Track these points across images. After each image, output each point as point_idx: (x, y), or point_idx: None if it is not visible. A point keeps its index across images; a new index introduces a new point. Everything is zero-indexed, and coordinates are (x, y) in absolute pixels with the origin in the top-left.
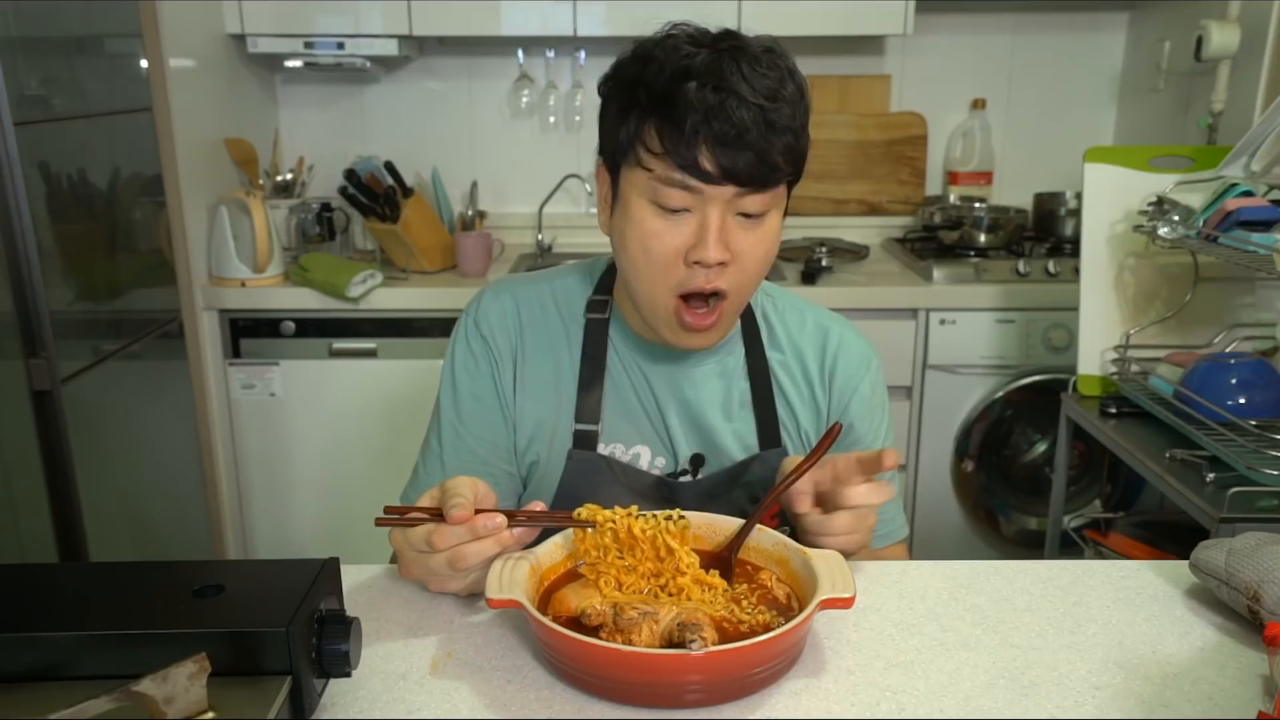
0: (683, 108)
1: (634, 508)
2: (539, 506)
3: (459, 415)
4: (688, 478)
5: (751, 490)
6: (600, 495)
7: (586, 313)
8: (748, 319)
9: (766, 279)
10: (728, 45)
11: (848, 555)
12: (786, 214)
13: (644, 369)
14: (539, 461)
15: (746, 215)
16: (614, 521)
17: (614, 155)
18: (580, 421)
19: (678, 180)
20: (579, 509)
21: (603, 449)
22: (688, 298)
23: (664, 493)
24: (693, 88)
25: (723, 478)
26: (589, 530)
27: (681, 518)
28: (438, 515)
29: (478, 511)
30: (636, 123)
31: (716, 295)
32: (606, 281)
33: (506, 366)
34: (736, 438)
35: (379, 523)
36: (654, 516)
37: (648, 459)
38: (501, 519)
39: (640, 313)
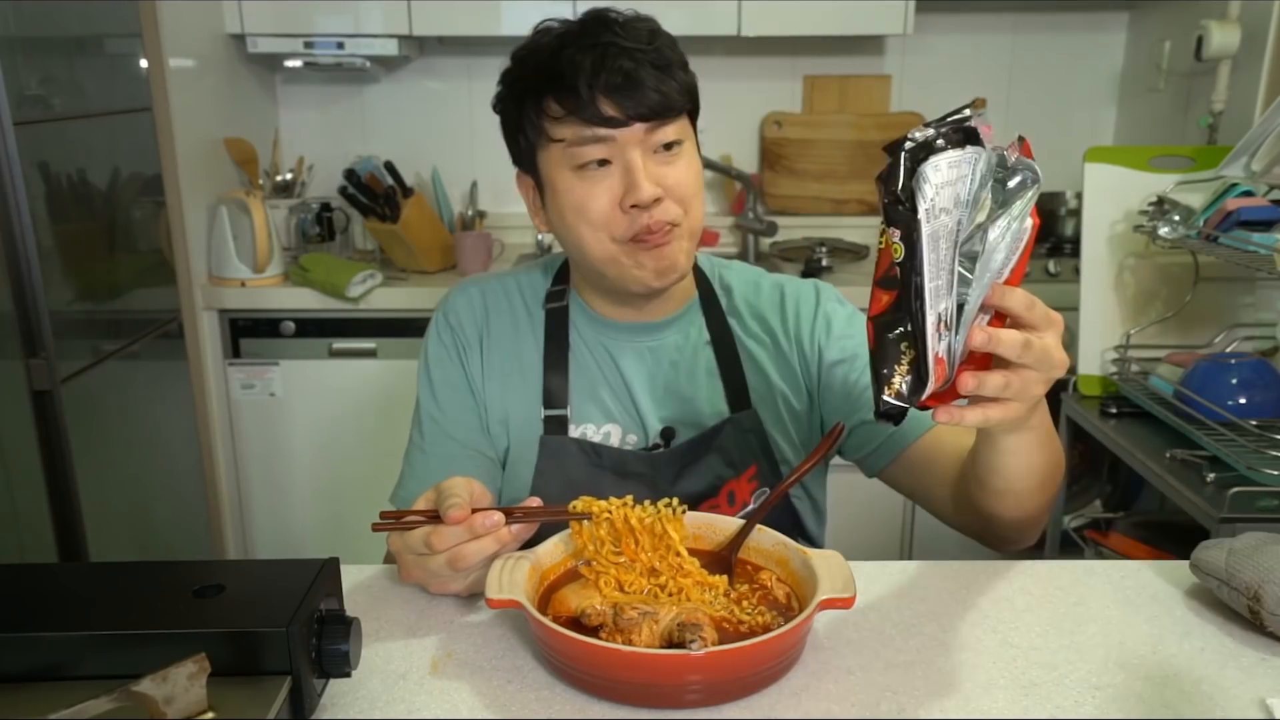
0: (570, 71)
1: (629, 497)
2: (535, 503)
3: (437, 404)
4: (661, 451)
5: (726, 454)
6: (575, 478)
7: (545, 303)
8: (705, 288)
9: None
10: (593, 16)
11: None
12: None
13: (608, 347)
14: (510, 447)
15: (665, 148)
16: (610, 512)
17: (528, 151)
18: (548, 407)
19: (589, 136)
20: (574, 502)
21: (573, 431)
22: (637, 240)
23: (638, 467)
24: (572, 52)
25: (695, 444)
26: (585, 523)
27: (682, 504)
28: (434, 518)
29: (474, 510)
30: (534, 104)
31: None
32: (563, 275)
33: (474, 352)
34: (709, 403)
35: (376, 528)
36: (651, 505)
37: (619, 437)
38: (499, 516)
39: (604, 278)
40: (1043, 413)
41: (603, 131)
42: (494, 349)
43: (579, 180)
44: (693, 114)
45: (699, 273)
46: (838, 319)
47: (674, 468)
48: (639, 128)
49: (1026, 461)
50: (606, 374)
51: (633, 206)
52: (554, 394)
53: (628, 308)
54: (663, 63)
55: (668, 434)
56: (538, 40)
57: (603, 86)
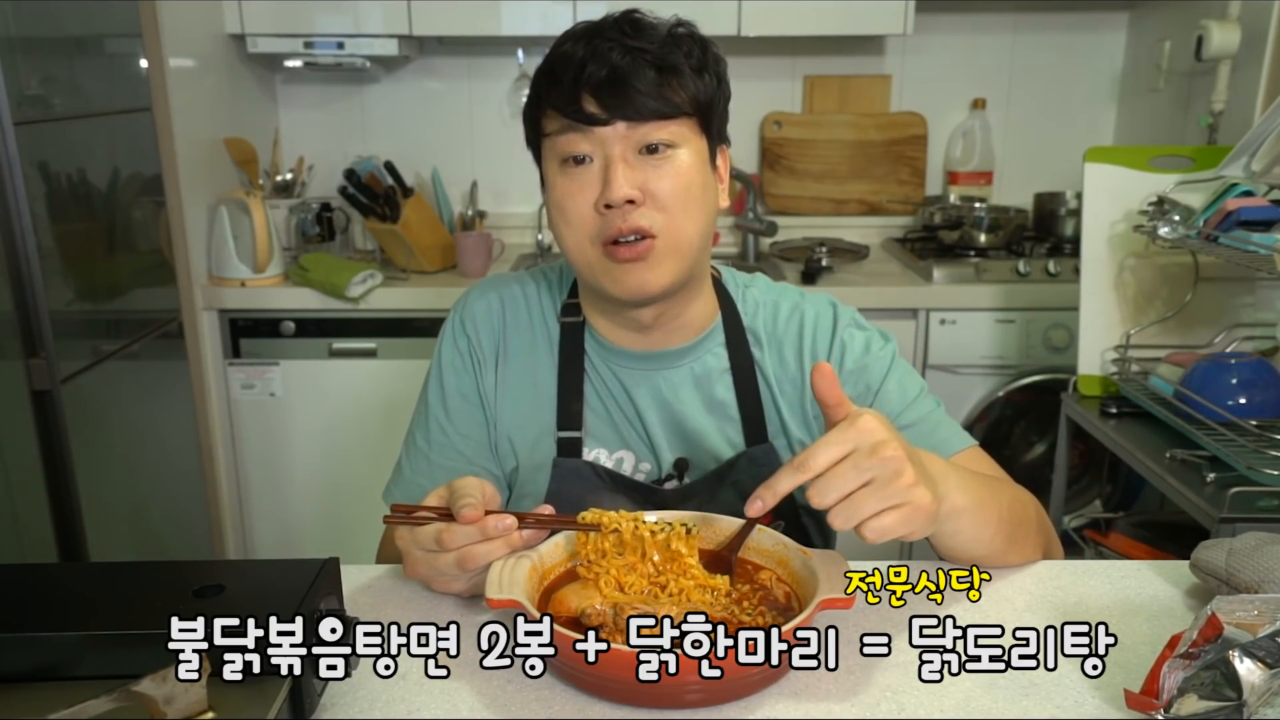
0: (561, 65)
1: (640, 514)
2: (548, 510)
3: (447, 414)
4: (674, 483)
5: (741, 489)
6: (588, 503)
7: (561, 316)
8: (729, 309)
9: (746, 269)
10: (620, 15)
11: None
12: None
13: (619, 374)
14: (519, 467)
15: (651, 151)
16: (619, 526)
17: (534, 147)
18: (562, 429)
19: (569, 126)
20: (584, 513)
21: (586, 454)
22: (613, 243)
23: (652, 499)
24: (569, 46)
25: (710, 479)
26: (592, 534)
27: (694, 527)
28: (445, 515)
29: (487, 513)
30: (535, 99)
31: (640, 236)
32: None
33: (489, 365)
34: (723, 437)
35: (388, 520)
36: (664, 523)
37: (631, 464)
38: (512, 520)
39: (582, 280)
40: (959, 491)
41: (582, 126)
42: (510, 365)
43: (562, 176)
44: (705, 122)
45: (723, 293)
46: (854, 348)
47: (689, 504)
48: (620, 126)
49: (972, 536)
50: (619, 402)
51: (606, 206)
52: (568, 415)
53: (637, 334)
54: (666, 65)
55: (681, 465)
56: (560, 39)
57: (587, 81)
